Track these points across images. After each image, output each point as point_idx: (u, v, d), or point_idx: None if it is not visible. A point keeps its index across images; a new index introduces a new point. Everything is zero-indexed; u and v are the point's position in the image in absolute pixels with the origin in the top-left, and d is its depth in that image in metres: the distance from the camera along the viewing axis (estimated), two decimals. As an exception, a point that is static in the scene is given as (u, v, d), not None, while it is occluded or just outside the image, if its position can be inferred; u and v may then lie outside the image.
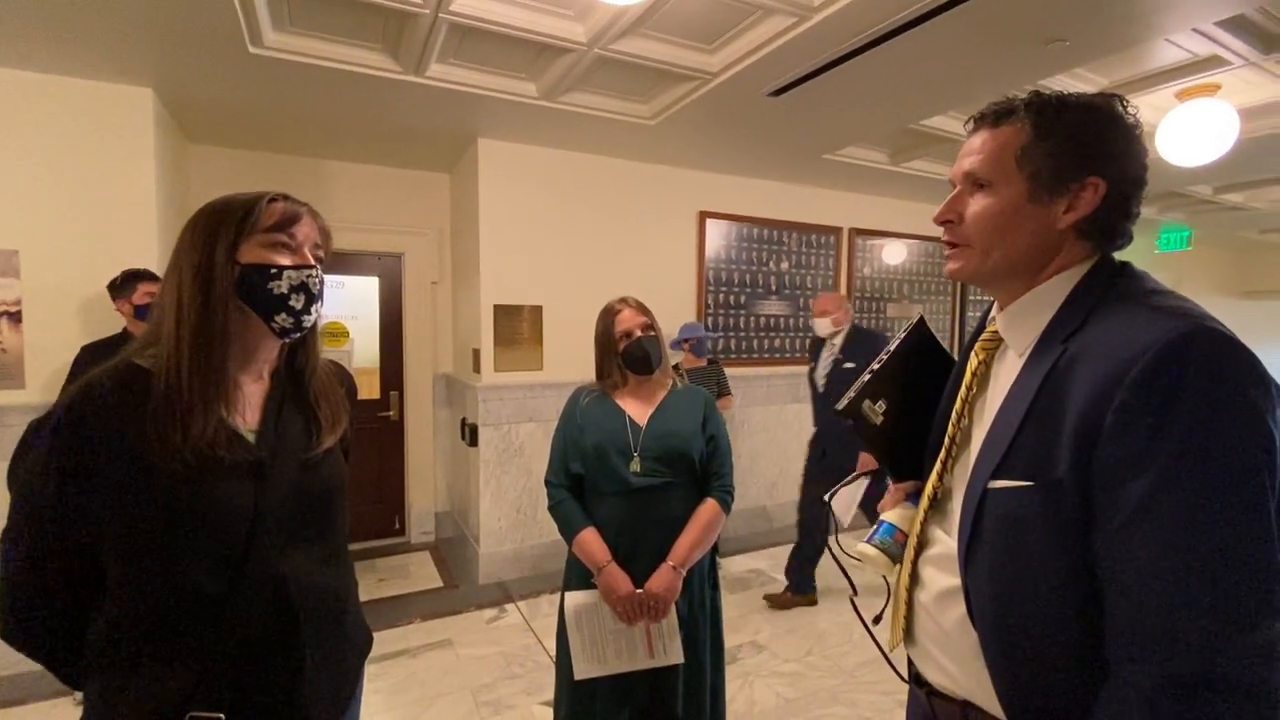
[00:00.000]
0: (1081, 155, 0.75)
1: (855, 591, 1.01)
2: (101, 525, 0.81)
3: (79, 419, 0.80)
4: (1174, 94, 2.96)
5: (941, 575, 0.84)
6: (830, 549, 1.03)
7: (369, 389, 4.09)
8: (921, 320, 1.03)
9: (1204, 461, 0.61)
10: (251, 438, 0.90)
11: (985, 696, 0.78)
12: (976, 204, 0.80)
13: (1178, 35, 2.39)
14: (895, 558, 0.92)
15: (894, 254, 5.07)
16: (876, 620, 0.99)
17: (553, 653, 2.51)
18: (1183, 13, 2.12)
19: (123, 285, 2.40)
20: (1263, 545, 0.61)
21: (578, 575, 1.65)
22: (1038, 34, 2.25)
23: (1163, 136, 3.03)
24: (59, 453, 0.79)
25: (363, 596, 1.12)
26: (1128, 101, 0.77)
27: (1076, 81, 2.80)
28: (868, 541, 0.94)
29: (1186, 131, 2.96)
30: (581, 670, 1.57)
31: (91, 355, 2.31)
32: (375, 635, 1.13)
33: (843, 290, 4.80)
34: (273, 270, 0.88)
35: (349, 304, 4.02)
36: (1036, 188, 0.76)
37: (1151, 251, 6.00)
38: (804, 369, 4.65)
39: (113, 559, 0.83)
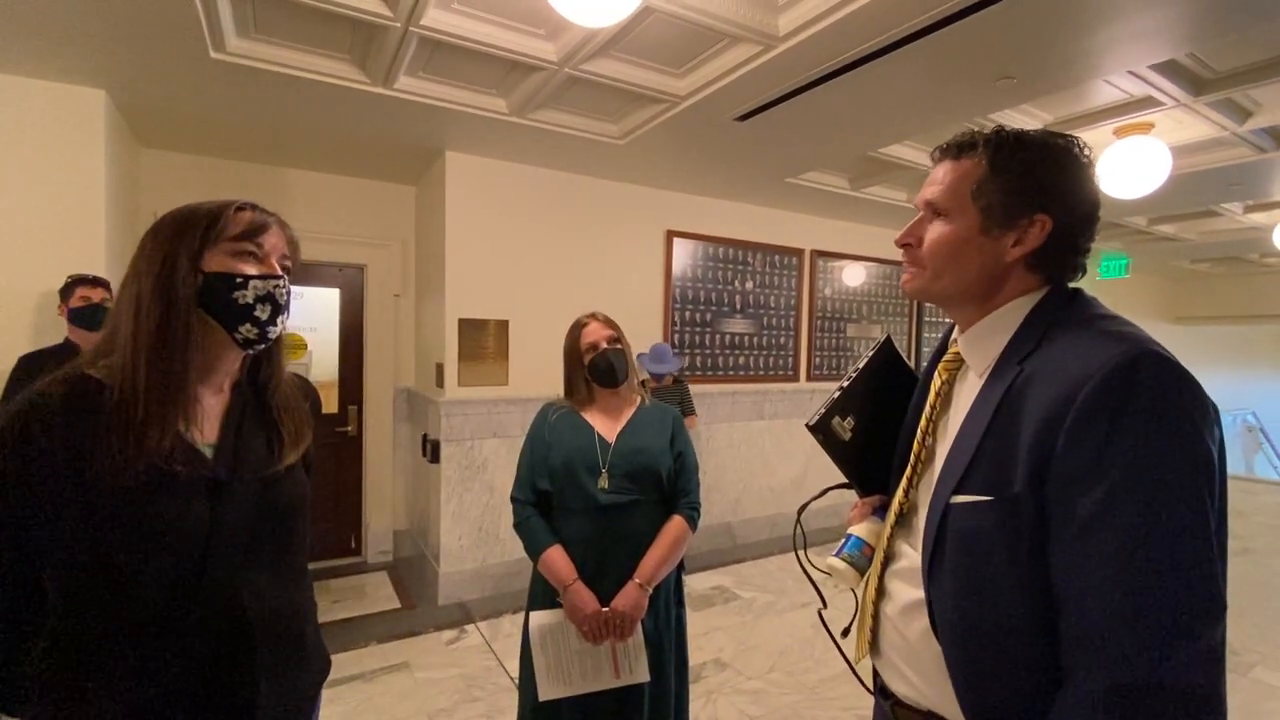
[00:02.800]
0: (1032, 193, 0.79)
1: (824, 605, 1.03)
2: (47, 542, 0.77)
3: (25, 431, 0.76)
4: (1112, 131, 3.15)
5: (907, 588, 0.87)
6: (800, 562, 1.05)
7: (327, 403, 3.98)
8: (888, 339, 1.06)
9: (1149, 478, 0.65)
10: (209, 453, 0.87)
11: (949, 707, 0.79)
12: (934, 231, 0.84)
13: (1115, 77, 2.55)
14: (862, 570, 0.94)
15: (853, 276, 5.22)
16: (844, 633, 1.01)
17: (515, 674, 2.46)
18: (1119, 56, 2.27)
19: (64, 290, 2.31)
20: (1203, 558, 0.64)
21: (542, 594, 1.63)
22: (988, 71, 2.37)
23: (1101, 170, 3.22)
24: (3, 467, 0.75)
25: (319, 618, 1.09)
26: (1084, 144, 0.81)
27: (1024, 117, 2.97)
28: (836, 555, 0.96)
29: (1123, 166, 3.16)
30: (546, 691, 1.54)
31: (28, 365, 2.19)
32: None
33: (804, 310, 4.91)
34: (238, 280, 0.86)
35: (308, 315, 3.92)
36: (988, 220, 0.80)
37: (1093, 279, 6.32)
38: (769, 387, 4.75)
39: (57, 577, 0.78)
